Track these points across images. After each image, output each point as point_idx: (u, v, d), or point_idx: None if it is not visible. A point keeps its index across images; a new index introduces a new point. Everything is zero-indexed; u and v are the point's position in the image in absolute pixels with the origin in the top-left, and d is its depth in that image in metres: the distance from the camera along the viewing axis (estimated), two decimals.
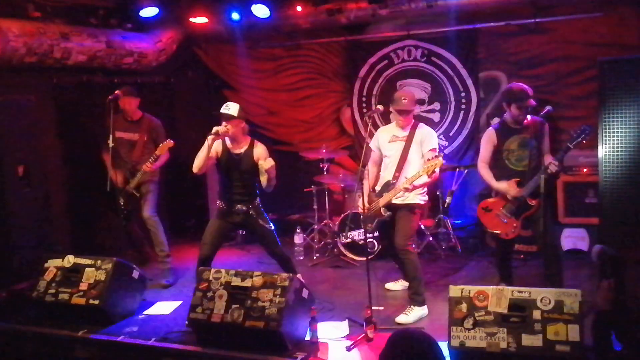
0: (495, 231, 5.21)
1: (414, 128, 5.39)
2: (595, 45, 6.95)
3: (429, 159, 4.91)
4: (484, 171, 5.29)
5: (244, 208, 5.52)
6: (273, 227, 5.63)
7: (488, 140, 5.27)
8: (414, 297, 5.21)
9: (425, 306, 5.21)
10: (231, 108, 5.35)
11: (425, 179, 5.00)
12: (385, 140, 5.50)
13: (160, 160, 6.24)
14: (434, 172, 4.85)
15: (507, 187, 5.07)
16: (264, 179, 5.36)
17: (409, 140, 5.34)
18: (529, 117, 5.09)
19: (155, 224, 6.41)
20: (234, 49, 8.86)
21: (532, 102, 5.02)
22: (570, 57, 7.20)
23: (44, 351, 5.08)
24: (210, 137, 5.27)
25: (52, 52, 6.29)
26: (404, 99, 5.33)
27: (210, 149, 5.33)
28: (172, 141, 6.14)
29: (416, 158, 5.30)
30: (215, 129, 5.27)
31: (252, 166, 5.44)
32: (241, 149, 5.48)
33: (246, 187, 5.52)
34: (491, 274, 6.25)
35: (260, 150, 5.46)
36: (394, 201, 5.27)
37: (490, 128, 5.36)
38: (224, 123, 5.31)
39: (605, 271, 4.19)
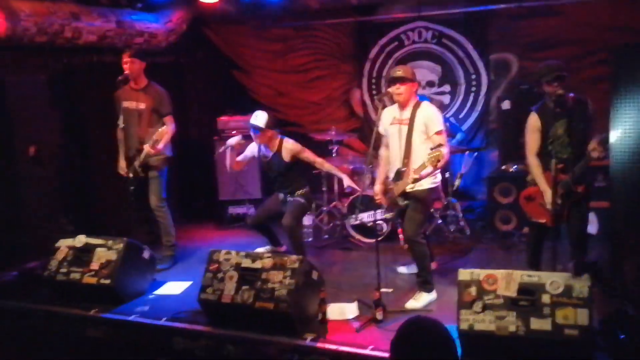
0: (540, 220, 4.92)
1: (415, 108, 5.09)
2: (607, 28, 6.90)
3: (431, 149, 4.69)
4: (536, 169, 4.89)
5: (282, 196, 6.13)
6: (303, 202, 6.05)
7: (533, 128, 4.87)
8: (423, 285, 5.17)
9: (434, 291, 5.19)
10: (259, 118, 5.83)
11: (429, 169, 4.78)
12: (387, 122, 5.28)
13: (164, 139, 6.01)
14: (438, 162, 4.61)
15: (548, 195, 4.71)
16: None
17: (411, 123, 5.06)
18: (571, 94, 4.76)
19: (164, 215, 6.32)
20: (243, 30, 8.85)
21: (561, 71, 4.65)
22: (582, 40, 7.15)
23: (55, 330, 5.16)
24: (225, 149, 5.95)
25: (62, 32, 6.27)
26: (399, 70, 5.07)
27: (232, 157, 6.02)
28: (167, 131, 6.05)
29: (422, 143, 5.02)
30: (228, 142, 5.96)
31: (287, 165, 5.98)
32: (271, 153, 6.02)
33: (287, 181, 6.07)
34: (500, 257, 6.28)
35: (289, 148, 5.96)
36: (407, 189, 5.07)
37: (532, 113, 4.89)
38: (251, 133, 5.92)
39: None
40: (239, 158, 6.17)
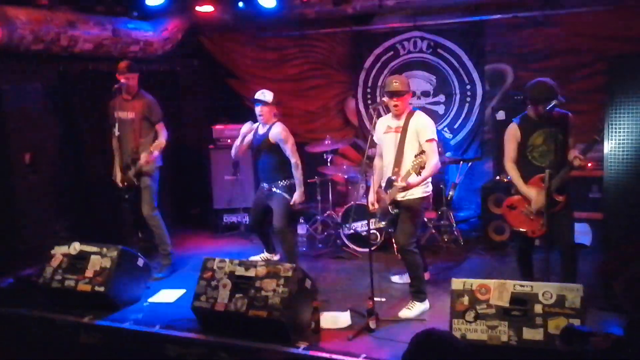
0: (522, 229, 4.95)
1: (408, 117, 5.11)
2: (603, 38, 6.91)
3: (415, 156, 4.73)
4: (513, 172, 4.97)
5: (266, 186, 6.10)
6: (288, 199, 5.98)
7: (512, 137, 4.93)
8: (416, 295, 5.18)
9: (427, 301, 5.20)
10: (266, 95, 5.99)
11: (415, 177, 4.78)
12: (381, 132, 5.32)
13: (159, 148, 6.05)
14: (421, 168, 4.62)
15: (535, 197, 4.78)
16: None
17: (404, 132, 5.08)
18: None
19: (157, 223, 6.32)
20: (239, 38, 8.88)
21: (561, 98, 4.71)
22: (577, 51, 7.16)
23: (50, 336, 5.17)
24: (243, 137, 6.10)
25: (58, 40, 6.29)
26: (395, 82, 5.09)
27: (243, 140, 6.12)
28: (163, 141, 6.07)
29: (413, 151, 4.96)
30: (242, 130, 6.11)
31: (270, 146, 5.96)
32: (263, 130, 6.05)
33: (267, 167, 6.06)
34: (493, 267, 6.28)
35: (275, 131, 5.96)
36: (397, 198, 5.08)
37: (512, 123, 4.99)
38: (257, 108, 5.98)
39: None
40: (245, 142, 6.22)
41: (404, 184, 4.78)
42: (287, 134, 6.00)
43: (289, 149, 5.97)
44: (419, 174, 4.68)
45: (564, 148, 4.77)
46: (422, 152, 4.71)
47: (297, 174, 6.01)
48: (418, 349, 2.33)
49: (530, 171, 4.87)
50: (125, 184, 6.21)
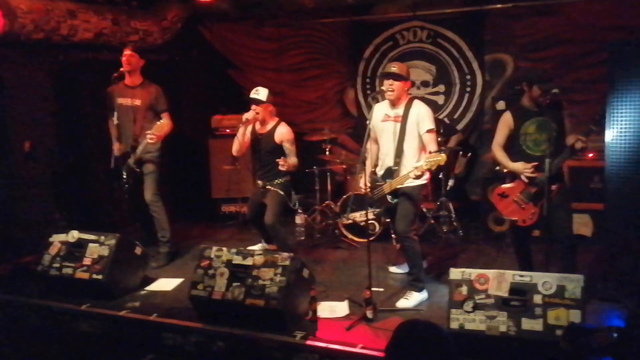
0: (513, 218, 4.93)
1: (408, 106, 5.07)
2: (604, 27, 6.90)
3: (430, 152, 4.69)
4: (499, 153, 5.01)
5: (261, 183, 6.10)
6: (283, 195, 6.00)
7: (504, 124, 4.96)
8: (414, 284, 5.16)
9: (425, 290, 5.17)
10: (260, 93, 5.90)
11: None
12: (378, 119, 5.23)
13: (164, 131, 6.02)
14: (438, 166, 4.57)
15: (522, 167, 4.79)
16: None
17: (403, 121, 5.04)
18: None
19: (158, 209, 6.30)
20: (239, 28, 8.85)
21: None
22: (578, 40, 7.15)
23: (47, 324, 5.16)
24: (241, 126, 5.97)
25: (59, 29, 6.25)
26: (393, 67, 5.06)
27: (244, 134, 6.01)
28: (163, 122, 5.98)
29: (414, 141, 5.03)
30: (244, 116, 5.89)
31: (273, 146, 5.97)
32: (265, 130, 6.03)
33: (267, 166, 6.05)
34: (492, 257, 6.27)
35: (281, 132, 5.97)
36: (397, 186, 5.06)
37: (506, 111, 5.04)
38: (253, 107, 5.88)
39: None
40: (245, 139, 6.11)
41: (418, 173, 4.64)
42: (292, 136, 6.04)
43: (293, 150, 6.00)
44: (431, 170, 4.66)
45: (559, 137, 4.73)
46: (439, 150, 4.63)
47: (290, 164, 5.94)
48: (402, 340, 2.30)
49: (522, 159, 4.86)
50: (129, 178, 6.16)
